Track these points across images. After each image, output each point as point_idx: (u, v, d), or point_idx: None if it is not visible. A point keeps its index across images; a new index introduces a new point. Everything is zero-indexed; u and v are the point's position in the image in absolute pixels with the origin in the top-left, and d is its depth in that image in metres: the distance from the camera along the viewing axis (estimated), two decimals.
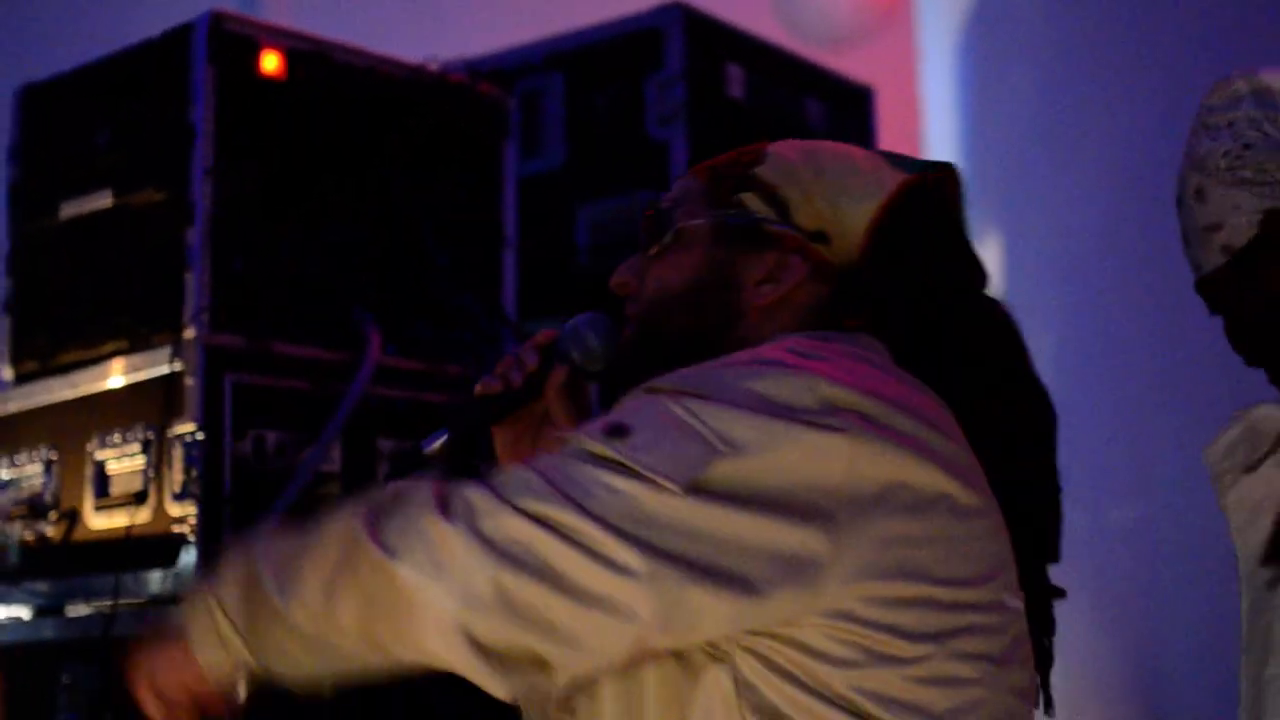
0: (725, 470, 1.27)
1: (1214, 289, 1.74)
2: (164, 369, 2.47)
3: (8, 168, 2.88)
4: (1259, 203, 1.64)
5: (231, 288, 2.53)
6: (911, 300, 1.53)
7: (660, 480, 1.26)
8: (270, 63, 2.61)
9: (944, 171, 1.58)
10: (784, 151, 1.57)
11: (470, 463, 2.69)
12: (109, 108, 2.73)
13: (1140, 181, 4.40)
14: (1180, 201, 1.74)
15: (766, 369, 1.34)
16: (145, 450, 2.48)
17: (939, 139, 4.93)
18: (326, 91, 2.69)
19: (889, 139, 3.78)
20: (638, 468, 1.27)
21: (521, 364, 1.61)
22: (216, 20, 2.56)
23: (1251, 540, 1.69)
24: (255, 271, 2.57)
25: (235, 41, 2.59)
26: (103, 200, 2.68)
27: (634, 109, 3.28)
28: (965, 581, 1.34)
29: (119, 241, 2.66)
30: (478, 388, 1.60)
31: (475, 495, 1.28)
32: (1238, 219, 1.65)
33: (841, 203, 1.52)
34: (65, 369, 2.68)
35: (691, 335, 1.51)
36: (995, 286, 1.60)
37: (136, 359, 2.55)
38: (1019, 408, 1.52)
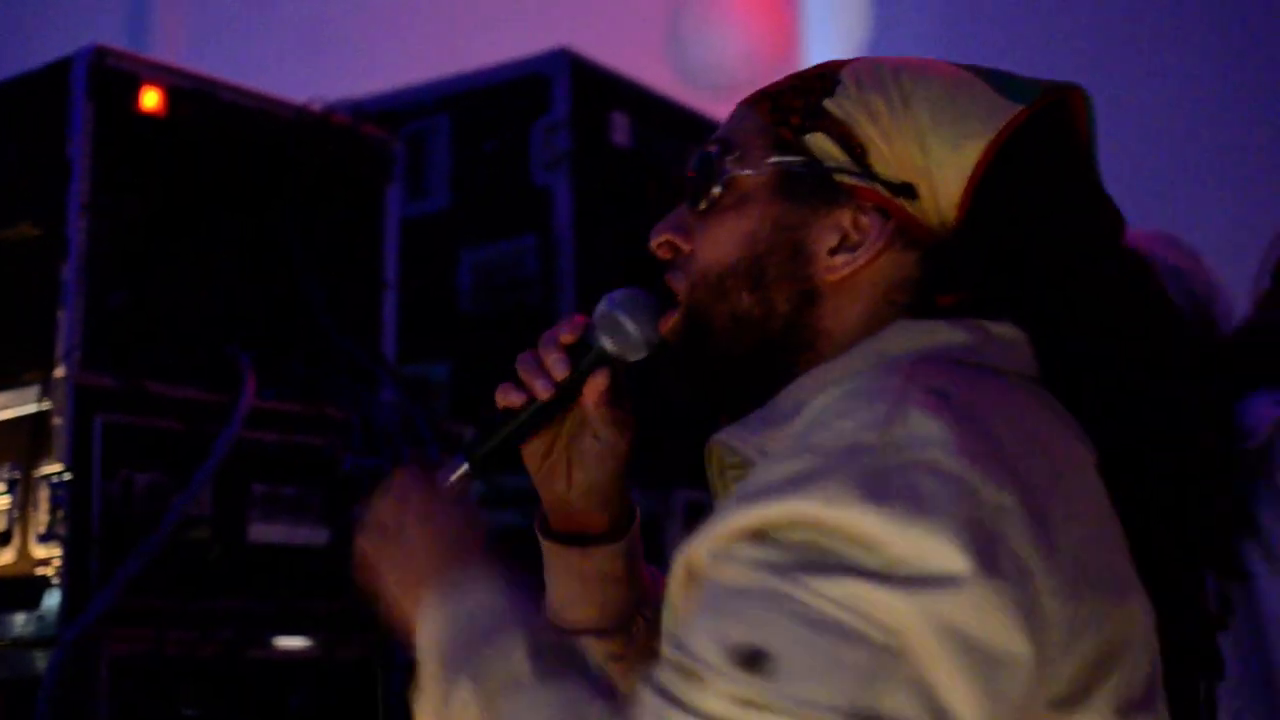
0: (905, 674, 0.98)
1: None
2: (32, 407, 2.43)
3: None
4: None
5: (105, 325, 2.50)
6: (1026, 270, 1.21)
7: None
8: (150, 99, 2.59)
9: (1067, 93, 1.26)
10: (862, 76, 1.25)
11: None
12: None
13: None
14: None
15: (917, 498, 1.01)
16: (11, 490, 2.43)
17: None
18: (208, 129, 2.67)
19: None
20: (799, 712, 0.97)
21: (546, 371, 1.32)
22: (98, 55, 2.53)
23: None
24: (130, 310, 2.54)
25: (116, 77, 2.55)
26: None
27: (519, 154, 3.30)
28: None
29: None
30: (497, 398, 1.33)
31: None
32: None
33: (934, 146, 1.21)
34: None
35: (757, 324, 1.24)
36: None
37: (4, 397, 2.50)
38: (1185, 389, 1.19)
